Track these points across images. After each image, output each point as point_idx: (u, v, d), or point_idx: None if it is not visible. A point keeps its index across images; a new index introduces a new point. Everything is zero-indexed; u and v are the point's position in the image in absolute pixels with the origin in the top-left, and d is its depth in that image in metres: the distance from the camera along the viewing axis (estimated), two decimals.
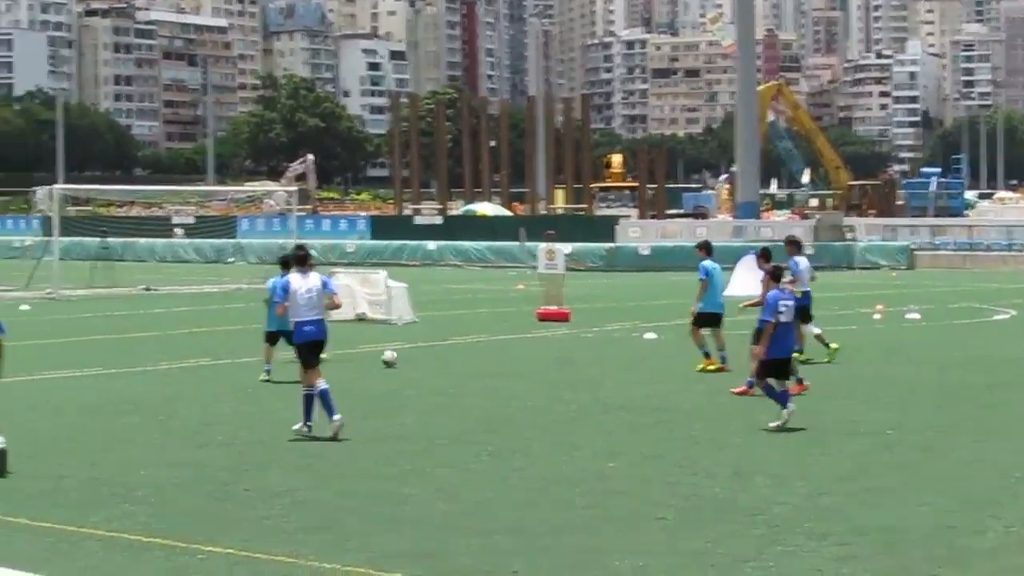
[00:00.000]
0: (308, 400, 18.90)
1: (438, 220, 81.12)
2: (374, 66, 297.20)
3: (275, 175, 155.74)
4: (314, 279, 19.25)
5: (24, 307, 42.69)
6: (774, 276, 20.93)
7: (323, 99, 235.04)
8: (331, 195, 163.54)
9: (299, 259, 19.57)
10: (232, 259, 71.25)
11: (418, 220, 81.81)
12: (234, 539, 13.29)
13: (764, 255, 24.30)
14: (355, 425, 19.62)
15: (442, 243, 70.88)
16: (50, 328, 36.01)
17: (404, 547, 13.00)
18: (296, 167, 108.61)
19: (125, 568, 12.25)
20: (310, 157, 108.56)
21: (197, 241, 75.50)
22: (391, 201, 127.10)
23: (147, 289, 50.36)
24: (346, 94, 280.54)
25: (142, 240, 73.78)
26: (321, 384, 18.81)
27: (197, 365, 27.03)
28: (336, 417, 18.73)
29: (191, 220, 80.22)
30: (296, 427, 18.97)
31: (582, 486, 15.62)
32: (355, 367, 26.71)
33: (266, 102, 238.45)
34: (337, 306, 20.66)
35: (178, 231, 76.08)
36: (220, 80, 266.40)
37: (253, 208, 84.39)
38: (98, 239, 56.85)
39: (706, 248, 26.39)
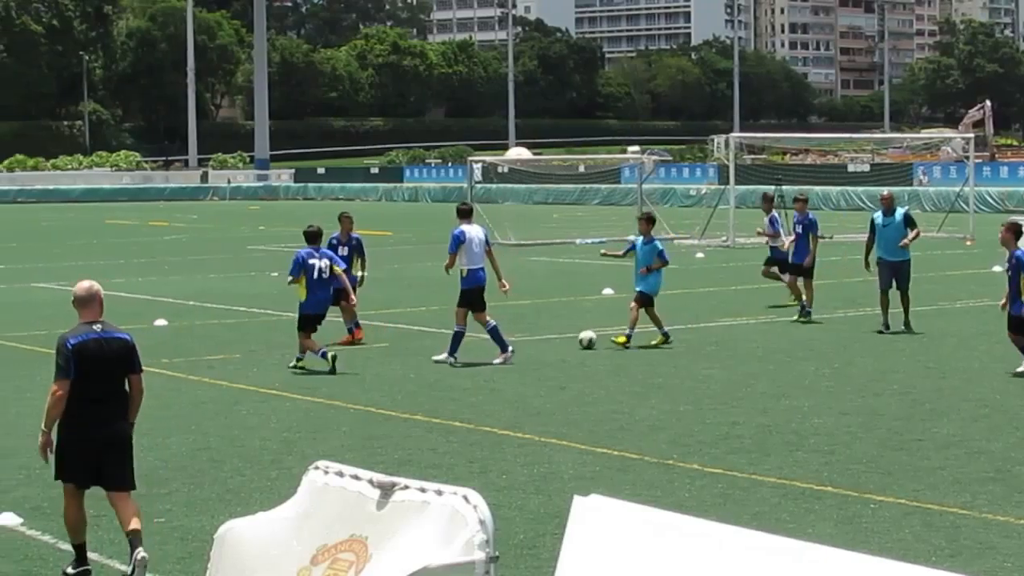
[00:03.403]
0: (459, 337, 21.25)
1: None
2: None
3: (952, 122, 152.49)
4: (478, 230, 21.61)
5: (699, 255, 43.65)
6: None
7: (1002, 44, 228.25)
8: (1009, 142, 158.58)
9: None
10: (906, 207, 70.33)
11: None
12: (906, 489, 13.06)
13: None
14: None
15: None
16: (723, 275, 36.63)
17: None
18: (973, 113, 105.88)
19: (797, 516, 12.23)
20: (988, 103, 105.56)
21: (872, 189, 74.87)
22: None
23: (821, 237, 50.51)
24: None
25: (817, 188, 73.87)
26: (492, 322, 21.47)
27: (868, 314, 26.68)
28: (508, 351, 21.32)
29: (866, 168, 79.65)
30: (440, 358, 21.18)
31: None
32: None
33: (943, 48, 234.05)
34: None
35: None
36: (897, 26, 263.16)
37: (929, 155, 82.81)
38: (772, 187, 57.27)
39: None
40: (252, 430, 16.37)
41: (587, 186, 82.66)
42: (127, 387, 11.12)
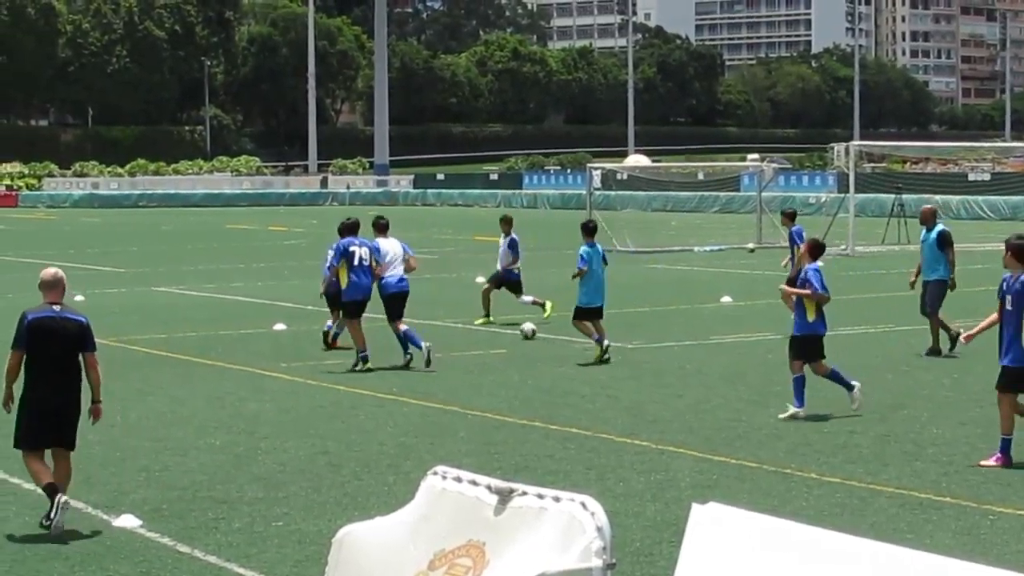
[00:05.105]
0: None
1: None
2: None
3: None
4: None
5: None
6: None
7: None
8: None
9: (380, 227, 23.16)
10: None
11: None
12: None
13: None
14: None
15: None
16: (842, 284, 36.28)
17: None
18: None
19: (915, 526, 12.13)
20: None
21: (992, 198, 74.10)
22: None
23: None
24: None
25: (937, 197, 73.09)
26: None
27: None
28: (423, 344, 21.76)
29: (987, 177, 78.68)
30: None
31: None
32: None
33: None
34: (413, 268, 23.19)
35: None
36: (1019, 34, 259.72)
37: None
38: (893, 195, 56.79)
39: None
40: (370, 434, 16.49)
41: (706, 194, 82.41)
42: (82, 363, 12.61)
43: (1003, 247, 14.76)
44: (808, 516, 12.01)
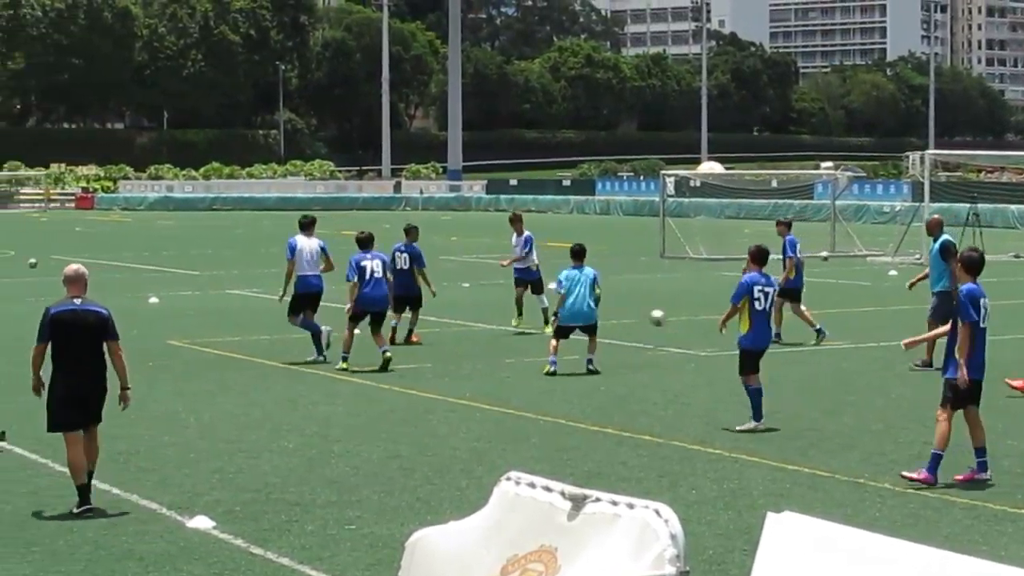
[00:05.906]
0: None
1: None
2: None
3: None
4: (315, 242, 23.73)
5: (892, 272, 42.99)
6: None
7: None
8: None
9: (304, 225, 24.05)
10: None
11: None
12: None
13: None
14: None
15: None
16: (916, 293, 35.99)
17: None
18: None
19: (990, 538, 12.08)
20: None
21: None
22: None
23: (1016, 256, 49.49)
24: None
25: (1013, 207, 72.46)
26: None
27: None
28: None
29: None
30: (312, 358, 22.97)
31: None
32: None
33: None
34: (331, 268, 24.12)
35: None
36: None
37: None
38: (968, 205, 56.35)
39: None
40: (442, 439, 16.51)
41: (779, 201, 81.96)
42: (105, 351, 13.35)
43: None
44: (881, 526, 11.92)
